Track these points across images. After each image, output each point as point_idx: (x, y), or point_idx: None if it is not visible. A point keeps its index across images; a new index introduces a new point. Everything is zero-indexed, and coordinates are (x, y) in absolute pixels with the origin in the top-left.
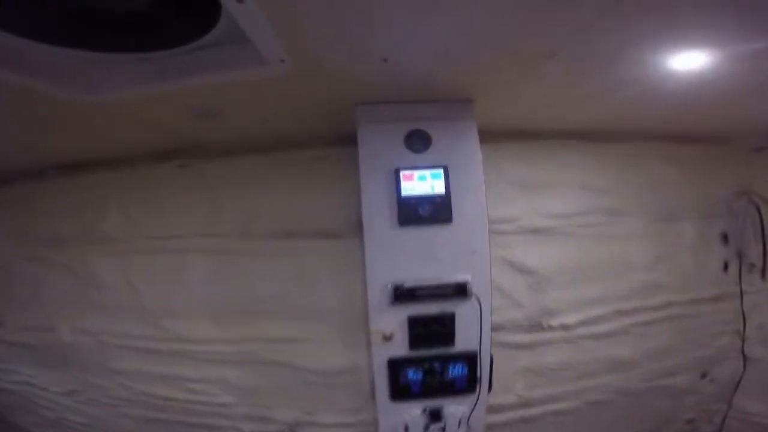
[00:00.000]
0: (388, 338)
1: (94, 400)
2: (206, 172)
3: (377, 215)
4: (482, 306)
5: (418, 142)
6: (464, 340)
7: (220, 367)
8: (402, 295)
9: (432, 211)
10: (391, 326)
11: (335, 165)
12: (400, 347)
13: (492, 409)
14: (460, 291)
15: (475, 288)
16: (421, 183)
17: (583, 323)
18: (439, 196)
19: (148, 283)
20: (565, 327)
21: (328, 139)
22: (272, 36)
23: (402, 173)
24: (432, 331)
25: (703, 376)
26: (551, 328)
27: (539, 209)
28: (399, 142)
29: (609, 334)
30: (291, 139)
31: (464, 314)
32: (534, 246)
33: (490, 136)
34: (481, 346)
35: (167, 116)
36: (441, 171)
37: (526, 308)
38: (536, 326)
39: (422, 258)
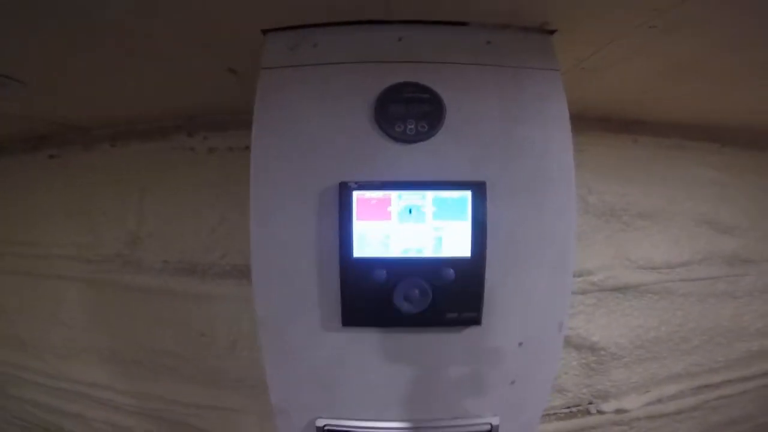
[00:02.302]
0: None
1: (8, 421)
2: (79, 166)
3: (287, 295)
4: None
5: (407, 116)
6: None
7: (124, 416)
8: None
9: (433, 299)
10: None
11: None
12: None
13: None
14: None
15: None
16: (408, 226)
17: (649, 404)
18: (454, 262)
19: (22, 312)
20: (621, 411)
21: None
22: None
23: (356, 196)
24: None
25: None
26: (600, 413)
27: (632, 256)
28: (360, 113)
29: (676, 412)
30: (191, 115)
31: None
32: (607, 311)
33: None
34: None
35: None
36: (467, 195)
37: (571, 394)
38: (580, 413)
39: (397, 386)
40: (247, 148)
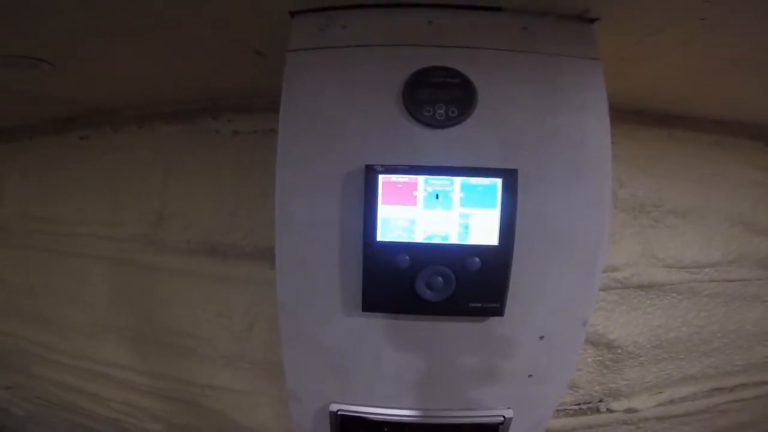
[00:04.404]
0: None
1: (28, 399)
2: (107, 147)
3: (309, 279)
4: None
5: (437, 100)
6: None
7: (140, 396)
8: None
9: (456, 288)
10: None
11: None
12: None
13: None
14: None
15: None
16: (434, 212)
17: (660, 405)
18: (480, 251)
19: (48, 290)
20: (630, 411)
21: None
22: None
23: (382, 180)
24: None
25: None
26: (610, 411)
27: (660, 254)
28: (388, 97)
29: (685, 414)
30: (216, 97)
31: None
32: (628, 309)
33: None
34: None
35: None
36: (497, 183)
37: (583, 390)
38: (590, 410)
39: (412, 374)
40: (272, 130)
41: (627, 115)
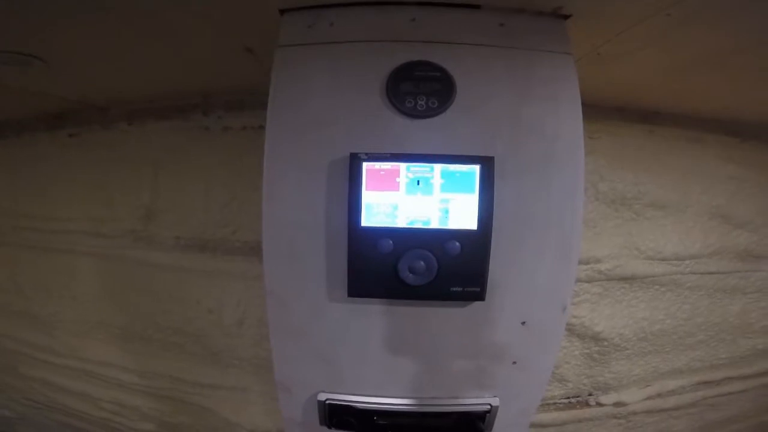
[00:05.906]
0: None
1: (15, 400)
2: (97, 144)
3: (295, 266)
4: None
5: (418, 93)
6: None
7: (130, 395)
8: (346, 421)
9: (438, 271)
10: None
11: None
12: None
13: None
14: (468, 427)
15: (504, 420)
16: (416, 198)
17: (648, 398)
18: (460, 235)
19: (36, 287)
20: (619, 405)
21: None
22: None
23: (366, 167)
24: None
25: None
26: (600, 405)
27: (641, 246)
28: (372, 89)
29: (674, 408)
30: (207, 94)
31: None
32: (612, 301)
33: None
34: None
35: None
36: (475, 170)
37: (572, 384)
38: (579, 404)
39: (399, 361)
40: (261, 127)
41: (608, 112)
